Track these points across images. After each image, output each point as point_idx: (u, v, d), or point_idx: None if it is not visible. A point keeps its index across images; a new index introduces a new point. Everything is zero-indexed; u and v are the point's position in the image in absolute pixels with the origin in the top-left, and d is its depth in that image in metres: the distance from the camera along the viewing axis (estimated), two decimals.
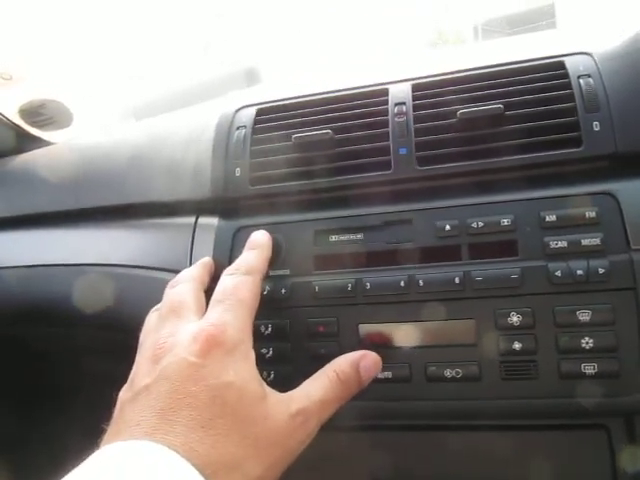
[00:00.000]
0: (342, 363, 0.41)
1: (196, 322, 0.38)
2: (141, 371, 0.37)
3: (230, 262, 0.45)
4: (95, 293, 0.58)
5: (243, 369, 0.36)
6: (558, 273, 0.43)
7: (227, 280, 0.41)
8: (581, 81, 0.47)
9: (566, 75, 0.48)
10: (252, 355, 0.38)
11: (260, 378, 0.37)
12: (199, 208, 0.56)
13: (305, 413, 0.37)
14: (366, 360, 0.42)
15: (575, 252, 0.43)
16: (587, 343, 0.42)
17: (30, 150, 0.80)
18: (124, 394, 0.37)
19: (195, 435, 0.32)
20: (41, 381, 0.82)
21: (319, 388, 0.39)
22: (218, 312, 0.38)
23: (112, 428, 0.35)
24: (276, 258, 0.49)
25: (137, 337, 0.44)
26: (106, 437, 0.34)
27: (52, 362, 0.78)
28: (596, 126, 0.46)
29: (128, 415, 0.34)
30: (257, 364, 0.38)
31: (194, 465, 0.30)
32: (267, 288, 0.48)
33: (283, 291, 0.48)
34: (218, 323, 0.37)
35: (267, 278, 0.48)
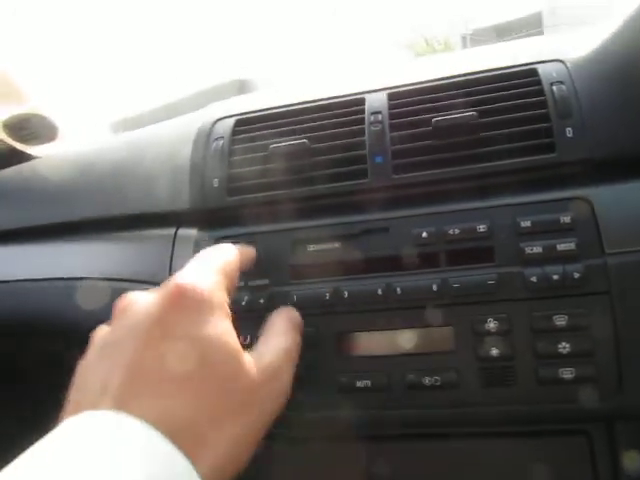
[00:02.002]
0: (281, 312, 0.43)
1: None
2: (101, 330, 0.35)
3: None
4: (75, 307, 0.58)
5: (218, 324, 0.33)
6: (534, 278, 0.43)
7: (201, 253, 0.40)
8: (554, 87, 0.48)
9: (539, 82, 0.48)
10: (228, 312, 0.35)
11: (235, 335, 0.34)
12: (179, 219, 0.56)
13: (274, 365, 0.36)
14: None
15: (551, 257, 0.43)
16: (564, 348, 0.42)
17: (14, 164, 0.80)
18: (86, 355, 0.34)
19: (166, 395, 0.29)
20: (26, 396, 0.81)
21: (279, 338, 0.39)
22: (188, 272, 0.36)
23: (73, 395, 0.32)
24: (254, 268, 0.49)
25: None
26: (68, 406, 0.31)
27: (33, 376, 0.77)
28: (569, 132, 0.46)
29: (91, 378, 0.31)
30: None
31: (165, 432, 0.27)
32: (245, 298, 0.48)
33: (262, 301, 0.48)
34: (188, 279, 0.34)
35: (246, 288, 0.48)
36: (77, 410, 0.28)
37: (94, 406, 0.28)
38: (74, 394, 0.32)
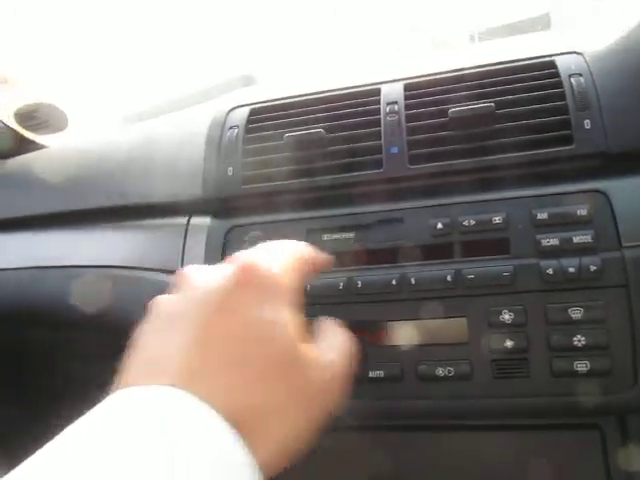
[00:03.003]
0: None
1: None
2: (163, 300, 0.32)
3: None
4: (87, 295, 0.58)
5: (287, 310, 0.31)
6: (550, 271, 0.43)
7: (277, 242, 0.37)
8: (572, 80, 0.47)
9: (557, 74, 0.48)
10: (297, 301, 0.33)
11: (302, 325, 0.32)
12: (192, 208, 0.56)
13: (336, 363, 0.33)
14: None
15: (567, 250, 0.43)
16: (579, 341, 0.41)
17: (25, 153, 0.80)
18: (147, 323, 0.31)
19: (232, 377, 0.27)
20: (35, 382, 0.81)
21: (341, 338, 0.36)
22: (259, 252, 0.33)
23: (133, 363, 0.29)
24: None
25: (127, 338, 0.43)
26: (126, 375, 0.28)
27: (43, 364, 0.78)
28: (587, 124, 0.46)
29: (153, 349, 0.29)
30: None
31: (228, 418, 0.25)
32: None
33: None
34: (260, 259, 0.32)
35: None
36: (135, 380, 0.27)
37: (155, 378, 0.26)
38: (133, 362, 0.29)
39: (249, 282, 0.30)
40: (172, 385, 0.26)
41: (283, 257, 0.34)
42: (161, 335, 0.30)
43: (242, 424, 0.26)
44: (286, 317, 0.30)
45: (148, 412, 0.24)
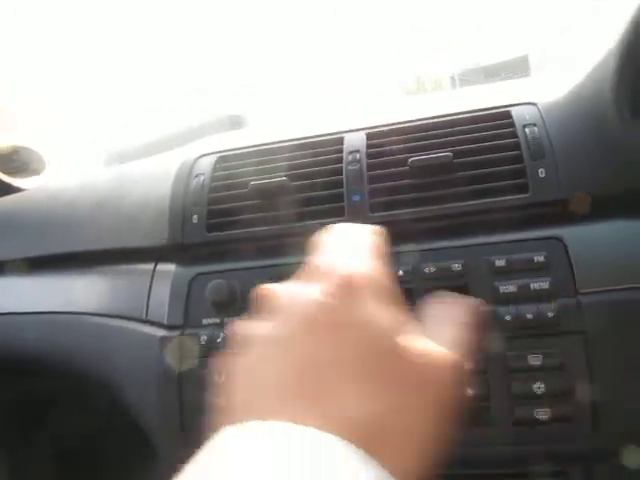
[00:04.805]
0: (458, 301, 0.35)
1: None
2: (255, 326, 0.29)
3: (186, 311, 0.45)
4: (50, 341, 0.57)
5: (391, 311, 0.29)
6: (508, 317, 0.43)
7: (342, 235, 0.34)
8: (527, 130, 0.49)
9: (512, 124, 0.50)
10: (394, 298, 0.30)
11: (406, 324, 0.30)
12: (158, 255, 0.56)
13: (448, 360, 0.30)
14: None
15: (525, 296, 0.43)
16: (539, 388, 0.41)
17: (1, 196, 0.80)
18: (243, 355, 0.28)
19: (350, 394, 0.25)
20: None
21: (455, 332, 0.33)
22: (343, 260, 0.30)
23: (239, 397, 0.26)
24: (232, 305, 0.49)
25: (92, 384, 0.42)
26: (233, 411, 0.26)
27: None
28: (542, 173, 0.47)
29: (259, 380, 0.26)
30: None
31: (353, 438, 0.23)
32: (221, 336, 0.48)
33: None
34: (350, 267, 0.29)
35: (222, 325, 0.48)
36: (246, 416, 0.24)
37: (268, 412, 0.24)
38: (239, 396, 0.27)
39: (349, 293, 0.28)
40: (287, 414, 0.24)
41: (364, 254, 0.31)
42: (267, 363, 0.27)
43: (369, 442, 0.24)
44: (393, 320, 0.28)
45: (264, 451, 0.22)
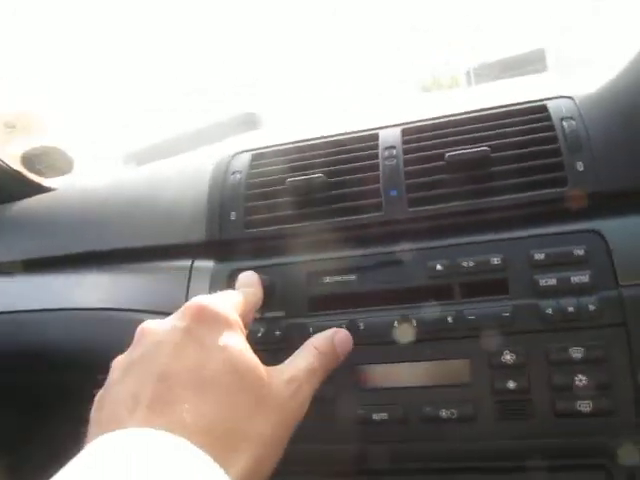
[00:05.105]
0: (319, 338, 0.42)
1: None
2: (121, 356, 0.35)
3: None
4: (90, 338, 0.58)
5: (238, 338, 0.35)
6: (549, 311, 0.43)
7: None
8: (564, 123, 0.49)
9: (549, 117, 0.50)
10: (244, 331, 0.37)
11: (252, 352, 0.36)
12: (195, 251, 0.57)
13: (297, 380, 0.37)
14: (339, 335, 0.43)
15: (565, 289, 0.44)
16: (581, 380, 0.42)
17: (30, 196, 0.82)
18: (109, 378, 0.34)
19: (199, 402, 0.30)
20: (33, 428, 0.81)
21: (304, 359, 0.39)
22: (203, 295, 0.37)
23: (98, 415, 0.32)
24: (270, 300, 0.49)
25: None
26: (94, 427, 0.31)
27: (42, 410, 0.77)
28: (580, 166, 0.47)
29: (119, 396, 0.31)
30: None
31: (199, 441, 0.28)
32: (261, 330, 0.48)
33: (277, 333, 0.48)
34: (205, 299, 0.36)
35: (261, 320, 0.49)
36: (106, 429, 0.28)
37: (125, 422, 0.29)
38: (98, 414, 0.32)
39: (201, 318, 0.34)
40: (144, 422, 0.28)
41: (226, 297, 0.39)
42: (126, 381, 0.32)
43: (214, 445, 0.28)
44: (240, 344, 0.34)
45: (118, 458, 0.26)
